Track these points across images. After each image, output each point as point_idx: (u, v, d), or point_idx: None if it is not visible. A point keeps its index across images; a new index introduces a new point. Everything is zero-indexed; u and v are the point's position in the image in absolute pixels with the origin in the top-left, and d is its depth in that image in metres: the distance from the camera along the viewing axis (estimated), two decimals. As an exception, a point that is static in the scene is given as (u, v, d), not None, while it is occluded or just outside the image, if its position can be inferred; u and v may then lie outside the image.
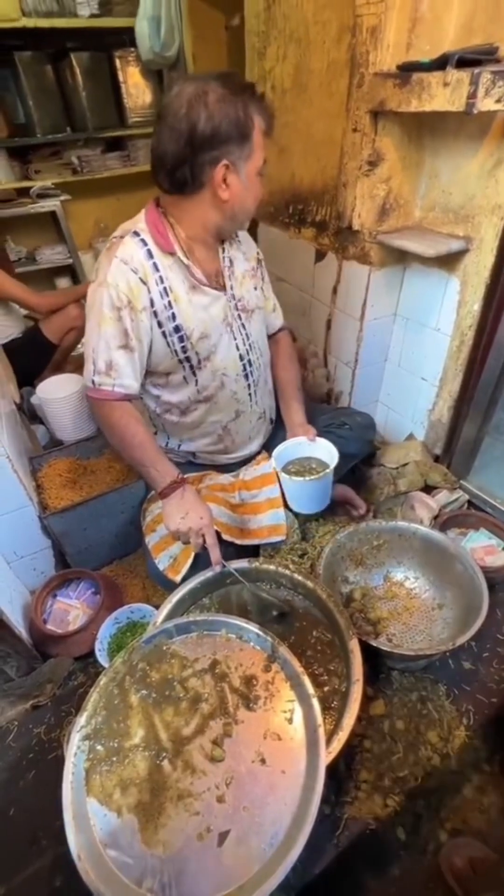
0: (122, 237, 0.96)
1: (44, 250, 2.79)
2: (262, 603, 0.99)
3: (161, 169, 0.92)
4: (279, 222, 1.71)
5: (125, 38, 2.48)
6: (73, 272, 2.90)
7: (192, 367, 1.07)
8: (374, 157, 1.17)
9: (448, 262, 1.24)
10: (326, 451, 1.21)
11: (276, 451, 1.22)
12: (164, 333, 1.01)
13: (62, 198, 2.64)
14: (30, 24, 2.26)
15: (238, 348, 1.12)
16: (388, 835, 0.97)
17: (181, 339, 1.02)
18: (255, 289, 1.16)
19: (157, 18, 2.25)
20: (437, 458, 1.53)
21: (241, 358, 1.14)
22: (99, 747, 0.72)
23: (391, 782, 0.92)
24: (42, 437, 1.72)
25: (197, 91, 0.85)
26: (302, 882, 0.82)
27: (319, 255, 1.55)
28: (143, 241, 0.96)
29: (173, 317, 1.00)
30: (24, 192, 2.60)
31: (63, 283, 2.93)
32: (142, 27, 2.30)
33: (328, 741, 0.75)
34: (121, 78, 2.62)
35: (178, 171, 0.91)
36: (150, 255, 0.96)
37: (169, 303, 0.99)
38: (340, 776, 0.93)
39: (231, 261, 1.09)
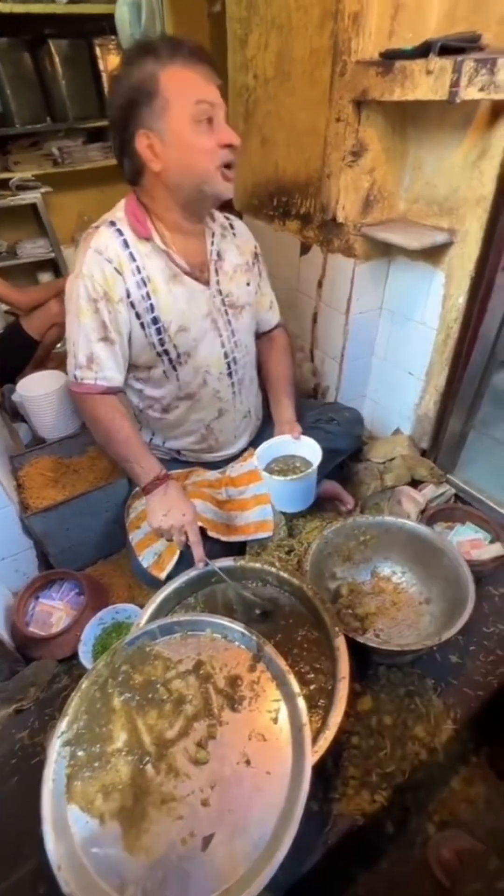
0: (98, 227, 0.95)
1: (25, 244, 2.73)
2: (246, 602, 0.98)
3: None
4: (263, 215, 1.69)
5: (104, 24, 2.41)
6: (55, 266, 2.84)
7: (171, 360, 1.05)
8: (358, 147, 1.16)
9: (433, 254, 1.23)
10: (311, 450, 1.20)
11: (259, 450, 1.21)
12: (142, 325, 0.99)
13: (43, 190, 2.58)
14: (5, 9, 2.19)
15: (223, 345, 1.10)
16: (376, 829, 0.97)
17: (158, 332, 1.00)
18: (248, 284, 1.12)
19: (137, 4, 2.19)
20: (423, 453, 1.53)
21: (226, 356, 1.11)
22: (80, 753, 0.71)
23: (379, 778, 0.92)
24: (24, 435, 1.68)
25: (113, 77, 0.87)
26: (291, 880, 0.82)
27: (304, 248, 1.53)
28: (118, 230, 0.94)
29: (151, 308, 0.98)
30: (3, 185, 2.54)
31: (45, 277, 2.87)
32: (122, 13, 2.24)
33: (314, 740, 0.74)
34: (101, 66, 2.56)
35: (122, 162, 0.92)
36: (126, 244, 0.94)
37: (147, 293, 0.97)
38: (328, 773, 0.92)
39: (220, 254, 1.06)
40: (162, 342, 1.01)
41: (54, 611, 1.17)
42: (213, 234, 1.05)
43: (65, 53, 2.43)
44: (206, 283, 1.03)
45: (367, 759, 0.94)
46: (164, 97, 0.83)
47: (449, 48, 0.89)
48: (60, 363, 2.07)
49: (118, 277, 0.93)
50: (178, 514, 0.98)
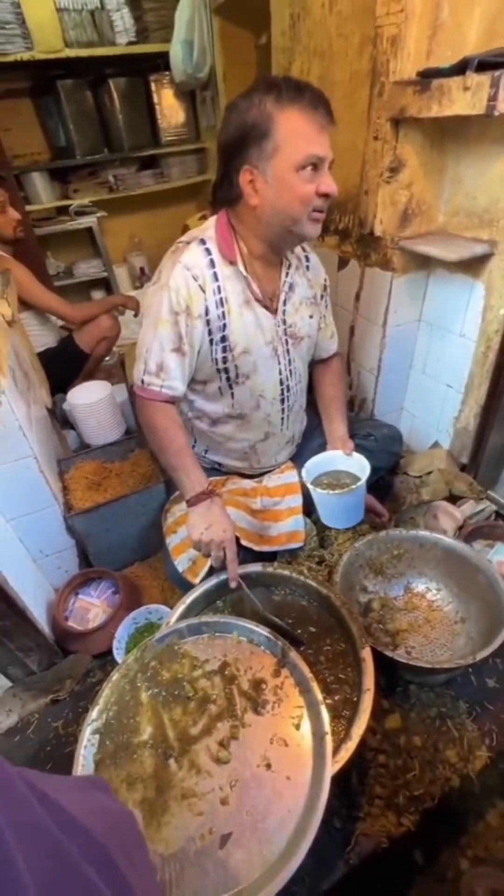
0: (188, 243, 0.98)
1: (80, 265, 2.93)
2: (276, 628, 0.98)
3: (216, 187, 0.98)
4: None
5: (160, 62, 2.60)
6: (107, 285, 3.03)
7: (228, 379, 1.08)
8: (396, 163, 1.17)
9: (472, 266, 1.21)
10: (359, 466, 1.19)
11: (308, 464, 1.20)
12: (211, 341, 1.02)
13: (98, 214, 2.77)
14: (72, 54, 2.40)
15: (280, 372, 1.13)
16: (403, 856, 0.93)
17: (224, 350, 1.04)
18: (311, 317, 1.15)
19: (190, 42, 2.35)
20: (463, 468, 1.49)
21: (282, 382, 1.14)
22: (108, 742, 0.74)
23: (406, 800, 0.89)
24: (73, 441, 1.79)
25: (230, 105, 0.89)
26: (310, 896, 0.80)
27: (342, 263, 1.55)
28: (207, 249, 0.98)
29: (223, 327, 1.01)
30: (63, 210, 2.75)
31: (98, 295, 3.06)
32: (176, 51, 2.40)
33: (336, 750, 0.73)
34: (155, 100, 2.74)
35: (220, 186, 0.97)
36: (213, 263, 0.98)
37: (223, 313, 1.01)
38: (353, 790, 0.90)
39: (292, 286, 1.09)
40: (225, 360, 1.05)
41: (92, 607, 1.23)
42: (289, 266, 1.07)
43: (123, 90, 2.63)
44: (274, 311, 1.07)
45: (395, 780, 0.91)
46: (275, 142, 0.85)
47: (487, 64, 0.90)
48: (109, 374, 2.20)
49: (201, 294, 0.97)
50: (219, 531, 0.99)
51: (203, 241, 0.98)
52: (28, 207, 2.57)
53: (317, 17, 1.37)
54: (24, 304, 1.82)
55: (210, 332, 1.01)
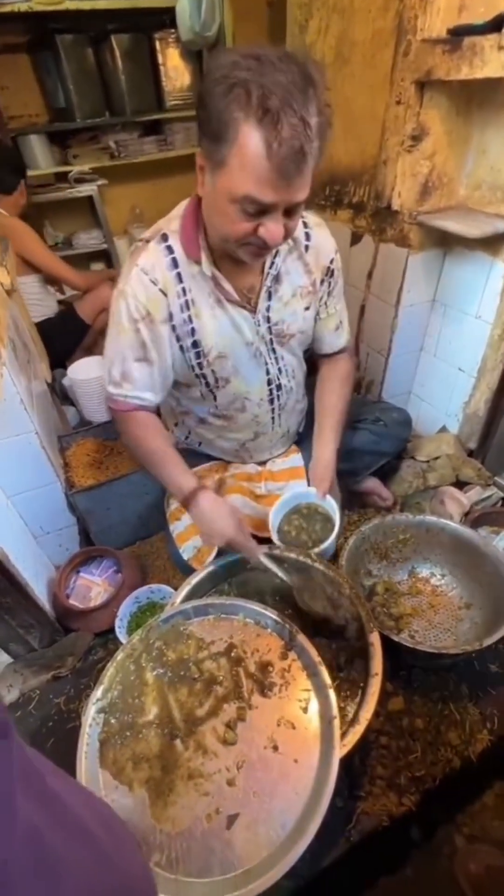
0: (148, 241, 0.88)
1: (80, 235, 2.83)
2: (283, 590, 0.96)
3: None
4: (314, 204, 1.66)
5: (165, 18, 2.45)
6: (107, 257, 2.93)
7: (208, 385, 1.01)
8: (419, 131, 1.11)
9: (493, 244, 1.17)
10: (332, 511, 1.06)
11: (277, 504, 1.07)
12: (181, 347, 0.94)
13: (99, 182, 2.65)
14: (72, 6, 2.26)
15: (268, 372, 1.03)
16: (402, 833, 0.94)
17: (198, 356, 0.96)
18: (307, 309, 1.01)
19: (198, -3, 2.21)
20: (470, 453, 1.47)
21: (270, 382, 1.05)
22: (113, 721, 0.73)
23: (407, 781, 0.90)
24: (73, 418, 1.75)
25: (215, 63, 0.69)
26: (311, 873, 0.81)
27: (355, 238, 1.49)
28: (168, 247, 0.87)
29: (192, 332, 0.93)
30: (62, 177, 2.64)
31: (98, 267, 2.96)
32: (182, 7, 2.27)
33: (343, 734, 0.73)
34: (160, 60, 2.60)
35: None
36: (175, 263, 0.87)
37: (189, 317, 0.91)
38: (355, 770, 0.91)
39: (278, 277, 0.94)
40: (201, 366, 0.97)
41: (93, 586, 1.21)
42: (275, 254, 0.92)
43: (126, 48, 2.48)
44: (254, 309, 0.95)
45: (397, 761, 0.92)
46: (223, 155, 0.69)
47: (525, 21, 0.84)
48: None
49: (162, 299, 0.88)
50: (217, 537, 0.93)
51: (165, 238, 0.87)
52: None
53: (338, -31, 1.28)
54: (28, 265, 1.77)
55: (178, 338, 0.93)
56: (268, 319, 0.97)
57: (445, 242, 1.30)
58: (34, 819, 0.27)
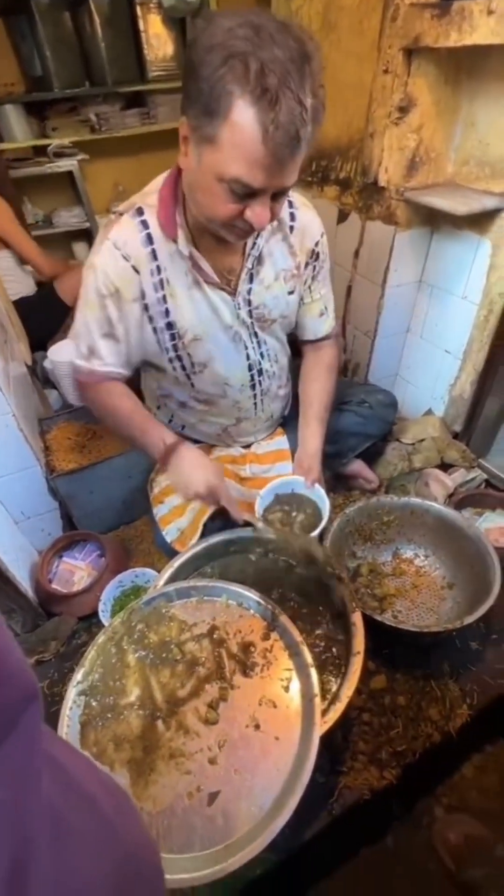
0: (122, 214, 0.84)
1: (61, 213, 2.73)
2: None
3: None
4: (300, 181, 1.62)
5: (146, -19, 2.34)
6: (89, 236, 2.84)
7: (184, 368, 0.97)
8: (406, 101, 1.08)
9: (480, 222, 1.15)
10: (320, 500, 1.05)
11: (264, 491, 1.06)
12: (154, 329, 0.90)
13: (79, 157, 2.56)
14: (47, -35, 2.14)
15: (249, 357, 1.00)
16: (383, 806, 0.97)
17: (172, 338, 0.92)
18: (291, 293, 0.97)
19: (180, -42, 2.11)
20: (456, 435, 1.47)
21: (251, 368, 1.02)
22: (94, 703, 0.72)
23: (389, 756, 0.91)
24: (55, 401, 1.71)
25: (208, 27, 0.63)
26: (293, 846, 0.83)
27: (342, 216, 1.46)
28: (143, 222, 0.82)
29: (166, 312, 0.88)
30: (41, 151, 2.53)
31: (80, 247, 2.88)
32: (164, -32, 2.16)
33: (325, 711, 0.73)
34: (141, 27, 2.48)
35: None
36: (150, 239, 0.82)
37: (164, 297, 0.87)
38: (337, 747, 0.92)
39: (260, 258, 0.90)
40: (175, 348, 0.94)
41: (76, 570, 1.20)
42: (257, 235, 0.88)
43: (105, 14, 2.37)
44: (234, 291, 0.91)
45: (378, 737, 0.93)
46: (215, 129, 0.64)
47: (515, -17, 0.81)
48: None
49: (134, 276, 0.84)
50: (199, 483, 0.91)
51: (140, 212, 0.82)
52: (0, 146, 2.36)
53: None
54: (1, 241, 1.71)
55: (151, 319, 0.89)
56: (248, 303, 0.93)
57: (433, 220, 1.28)
58: (50, 790, 0.26)
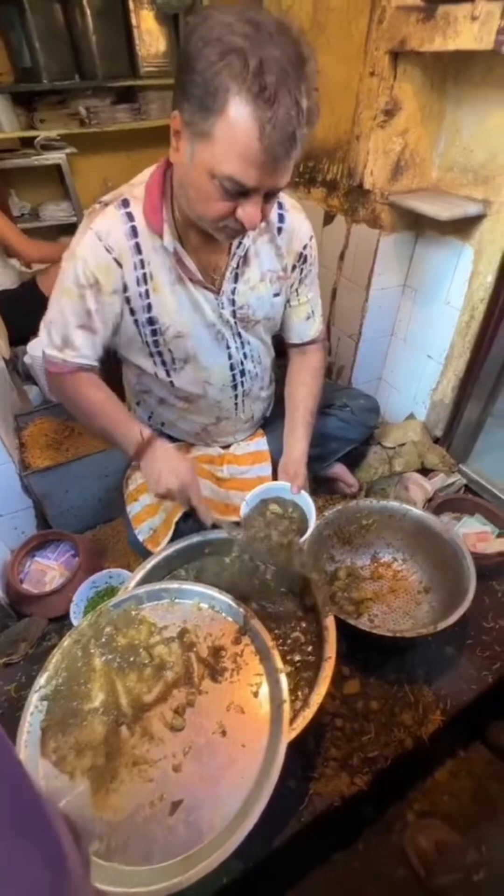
0: (107, 204, 0.81)
1: (48, 206, 2.69)
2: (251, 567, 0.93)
3: None
4: (288, 183, 1.62)
5: (139, -24, 2.32)
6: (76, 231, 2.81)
7: (164, 363, 0.96)
8: (392, 105, 1.08)
9: (463, 228, 1.15)
10: (307, 507, 1.02)
11: (249, 496, 1.02)
12: (136, 322, 0.89)
13: (68, 150, 2.52)
14: (37, -45, 2.11)
15: (231, 357, 0.98)
16: (354, 812, 0.96)
17: (154, 333, 0.90)
18: (276, 295, 0.96)
19: (173, -46, 2.09)
20: (436, 440, 1.48)
21: (233, 367, 1.00)
22: (56, 709, 0.70)
23: (360, 762, 0.90)
24: (35, 397, 1.68)
25: (202, 21, 0.63)
26: (262, 853, 0.81)
27: (328, 218, 1.46)
28: (128, 214, 0.80)
29: (149, 307, 0.87)
30: (28, 143, 2.49)
31: (67, 241, 2.83)
32: (157, -36, 2.14)
33: (293, 718, 0.72)
34: (133, 21, 2.46)
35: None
36: (134, 232, 0.80)
37: (146, 291, 0.85)
38: (308, 752, 0.91)
39: (246, 258, 0.89)
40: (157, 343, 0.92)
41: (49, 570, 1.17)
42: (244, 234, 0.85)
43: (96, 6, 2.34)
44: (218, 290, 0.90)
45: (350, 742, 0.92)
46: (210, 125, 0.63)
47: (499, -10, 0.81)
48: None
49: (116, 269, 0.81)
50: (171, 477, 0.88)
51: (126, 203, 0.80)
52: (-13, 135, 2.31)
53: None
54: None
55: (133, 312, 0.87)
56: (232, 302, 0.92)
57: (417, 225, 1.28)
58: None
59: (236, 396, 1.07)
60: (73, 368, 0.89)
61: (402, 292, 1.42)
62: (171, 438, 1.19)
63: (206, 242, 0.84)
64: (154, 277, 0.85)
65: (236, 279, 0.90)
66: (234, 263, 0.88)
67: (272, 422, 1.24)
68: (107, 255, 0.81)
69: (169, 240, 0.81)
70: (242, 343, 0.99)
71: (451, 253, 1.22)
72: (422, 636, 0.93)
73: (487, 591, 1.17)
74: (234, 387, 1.04)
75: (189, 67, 0.62)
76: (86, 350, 0.88)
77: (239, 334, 0.97)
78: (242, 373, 1.03)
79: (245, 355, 1.01)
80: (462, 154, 1.12)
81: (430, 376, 1.42)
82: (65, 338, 0.87)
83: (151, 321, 0.89)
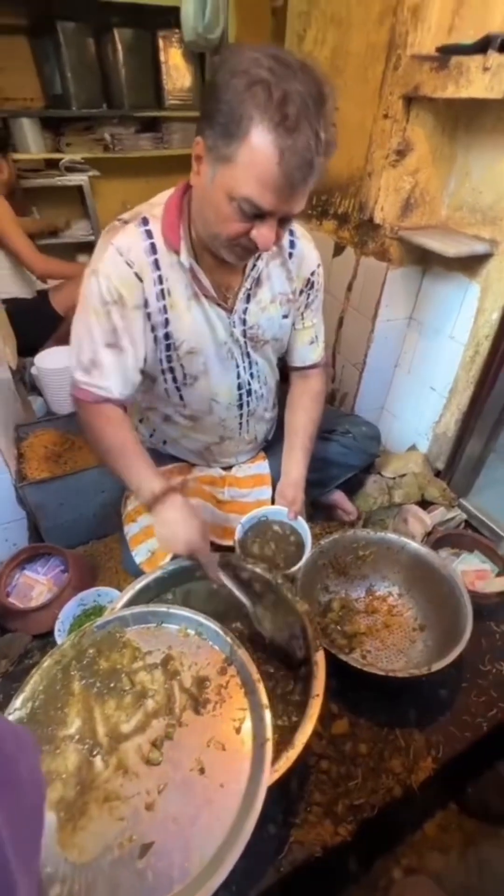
0: (127, 222, 0.83)
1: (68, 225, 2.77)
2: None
3: None
4: (300, 213, 1.66)
5: (170, 18, 2.44)
6: (93, 249, 2.88)
7: (175, 380, 0.96)
8: (404, 146, 1.11)
9: (470, 265, 1.17)
10: (304, 533, 1.04)
11: (245, 519, 1.05)
12: (155, 338, 0.90)
13: (90, 173, 2.61)
14: (76, -6, 2.24)
15: (239, 376, 1.00)
16: (336, 864, 0.90)
17: (168, 348, 0.92)
18: (285, 318, 0.99)
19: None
20: (437, 473, 1.46)
21: (240, 387, 1.02)
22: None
23: (345, 809, 0.86)
24: (39, 408, 1.69)
25: (231, 54, 0.67)
26: (235, 904, 0.76)
27: (338, 249, 1.49)
28: (148, 231, 0.82)
29: (166, 322, 0.89)
30: (53, 165, 2.59)
31: (83, 259, 2.91)
32: (188, 7, 2.26)
33: (276, 758, 0.69)
34: (162, 58, 2.59)
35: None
36: (154, 249, 0.83)
37: (164, 306, 0.87)
38: (291, 795, 0.87)
39: (259, 280, 0.92)
40: (169, 359, 0.93)
41: (37, 584, 1.15)
42: (258, 257, 0.90)
43: (128, 43, 2.47)
44: (230, 309, 0.92)
45: (336, 787, 0.88)
46: (232, 150, 0.66)
47: (510, 45, 0.84)
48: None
49: (137, 283, 0.83)
50: (181, 543, 0.85)
51: (145, 221, 0.83)
52: (15, 156, 2.40)
53: (338, -19, 1.28)
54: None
55: (153, 328, 0.89)
56: (243, 322, 0.94)
57: (425, 260, 1.30)
58: None
59: (241, 416, 1.07)
60: (100, 399, 0.88)
61: (408, 324, 1.43)
62: (173, 458, 1.19)
63: (221, 264, 0.86)
64: (172, 293, 0.87)
65: (248, 299, 0.93)
66: (248, 284, 0.91)
67: (274, 445, 1.23)
68: (128, 269, 0.82)
69: (185, 256, 0.84)
70: (250, 363, 1.01)
71: (458, 289, 1.23)
72: (415, 677, 0.89)
73: (485, 632, 1.13)
74: (240, 406, 1.05)
75: (216, 97, 0.66)
76: (113, 373, 0.87)
77: (248, 354, 0.99)
78: (249, 392, 1.04)
79: (252, 375, 1.02)
80: (471, 195, 1.15)
81: (434, 409, 1.42)
82: (92, 358, 0.86)
83: (167, 336, 0.91)
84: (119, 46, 2.45)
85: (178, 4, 2.29)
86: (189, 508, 0.89)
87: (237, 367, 0.99)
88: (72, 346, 0.89)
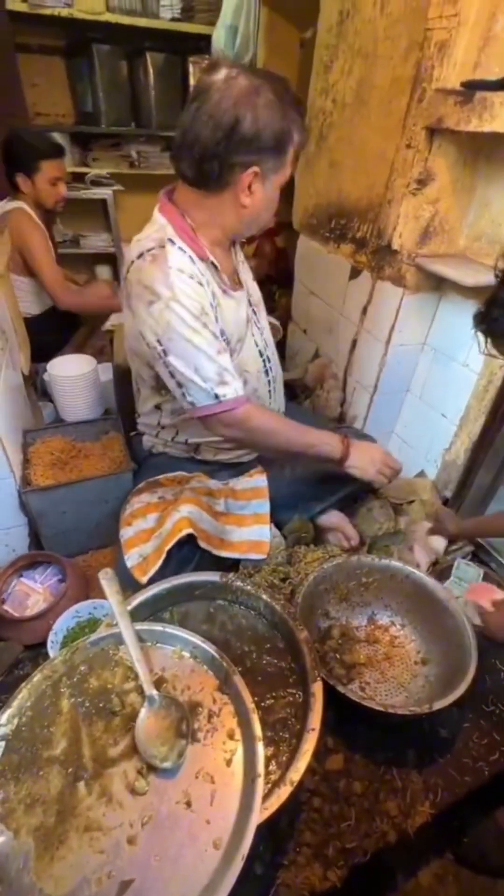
0: (161, 247, 0.91)
1: (89, 236, 2.83)
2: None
3: (186, 153, 0.87)
4: (319, 235, 1.67)
5: (202, 44, 2.53)
6: (113, 261, 2.94)
7: None
8: (425, 175, 1.12)
9: (486, 295, 1.16)
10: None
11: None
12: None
13: (115, 188, 2.68)
14: (112, 19, 2.33)
15: (257, 343, 1.12)
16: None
17: (228, 343, 1.03)
18: (253, 280, 1.16)
19: (234, 28, 2.28)
20: (445, 501, 1.43)
21: (261, 354, 1.13)
22: (13, 754, 0.65)
23: (336, 852, 0.81)
24: (49, 414, 1.69)
25: (250, 88, 0.82)
26: None
27: (354, 272, 1.49)
28: (181, 249, 0.93)
29: (217, 320, 0.99)
30: (79, 178, 2.66)
31: (102, 269, 2.96)
32: (219, 35, 2.34)
33: (267, 795, 0.66)
34: (191, 82, 2.67)
35: (207, 164, 0.86)
36: (192, 261, 0.94)
37: (214, 306, 0.99)
38: (281, 833, 0.82)
39: (238, 256, 1.11)
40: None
41: (33, 593, 1.13)
42: (233, 242, 1.08)
43: (159, 66, 2.56)
44: (241, 286, 1.07)
45: (327, 828, 0.84)
46: (285, 160, 0.90)
47: (535, 83, 0.85)
48: (98, 352, 2.09)
49: (204, 291, 0.95)
50: (378, 462, 1.10)
51: (173, 242, 0.92)
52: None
53: (366, 16, 1.31)
54: (27, 269, 1.73)
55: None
56: (248, 292, 1.10)
57: (441, 287, 1.30)
58: None
59: (269, 383, 1.18)
60: (242, 399, 0.98)
61: (422, 350, 1.42)
62: (174, 468, 1.19)
63: (225, 255, 1.03)
64: (215, 295, 0.99)
65: (243, 273, 1.09)
66: (240, 259, 1.09)
67: (271, 462, 1.22)
68: (193, 281, 0.92)
69: (212, 258, 0.97)
70: (260, 330, 1.14)
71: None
72: (415, 714, 0.86)
73: (489, 669, 1.09)
74: (266, 372, 1.16)
75: (256, 136, 0.84)
76: (235, 369, 0.98)
77: (258, 321, 1.13)
78: (269, 358, 1.15)
79: (266, 342, 1.15)
80: (491, 227, 1.15)
81: (444, 436, 1.40)
82: (219, 372, 0.94)
83: (222, 332, 1.00)
84: (150, 69, 2.54)
85: (210, 32, 2.37)
86: (366, 441, 1.16)
87: (254, 334, 1.11)
88: (191, 381, 0.94)
